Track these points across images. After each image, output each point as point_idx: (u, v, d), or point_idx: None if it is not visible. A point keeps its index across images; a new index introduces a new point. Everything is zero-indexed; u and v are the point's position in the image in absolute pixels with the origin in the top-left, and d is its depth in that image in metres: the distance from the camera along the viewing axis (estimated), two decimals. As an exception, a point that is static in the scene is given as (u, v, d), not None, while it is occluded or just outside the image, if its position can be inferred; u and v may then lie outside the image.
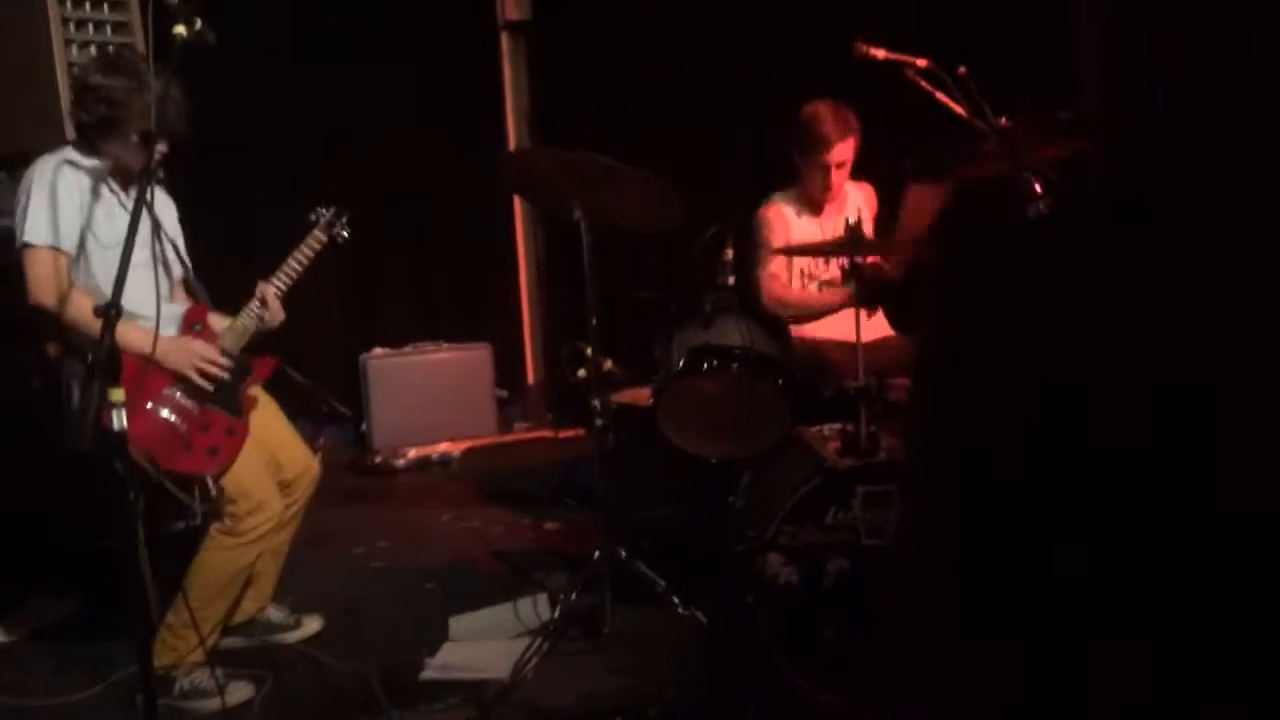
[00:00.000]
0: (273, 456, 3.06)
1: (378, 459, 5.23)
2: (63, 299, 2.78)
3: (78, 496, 2.77)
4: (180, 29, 2.52)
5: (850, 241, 2.91)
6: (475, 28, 5.81)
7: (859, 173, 3.77)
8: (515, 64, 5.94)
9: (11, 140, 3.86)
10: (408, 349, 5.53)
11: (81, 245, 2.84)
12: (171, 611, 2.86)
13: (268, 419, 3.11)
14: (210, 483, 2.84)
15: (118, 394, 1.95)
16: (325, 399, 5.36)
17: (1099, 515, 0.74)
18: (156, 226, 2.79)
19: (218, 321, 3.03)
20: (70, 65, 4.13)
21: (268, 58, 5.07)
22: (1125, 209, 0.80)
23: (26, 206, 2.80)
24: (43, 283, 2.78)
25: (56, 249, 2.80)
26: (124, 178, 2.93)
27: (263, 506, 2.91)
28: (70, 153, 2.89)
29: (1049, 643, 0.76)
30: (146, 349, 2.69)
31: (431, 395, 5.42)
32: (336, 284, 5.61)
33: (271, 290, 3.01)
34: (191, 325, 2.99)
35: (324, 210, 3.16)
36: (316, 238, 3.11)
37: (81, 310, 2.71)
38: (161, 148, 2.80)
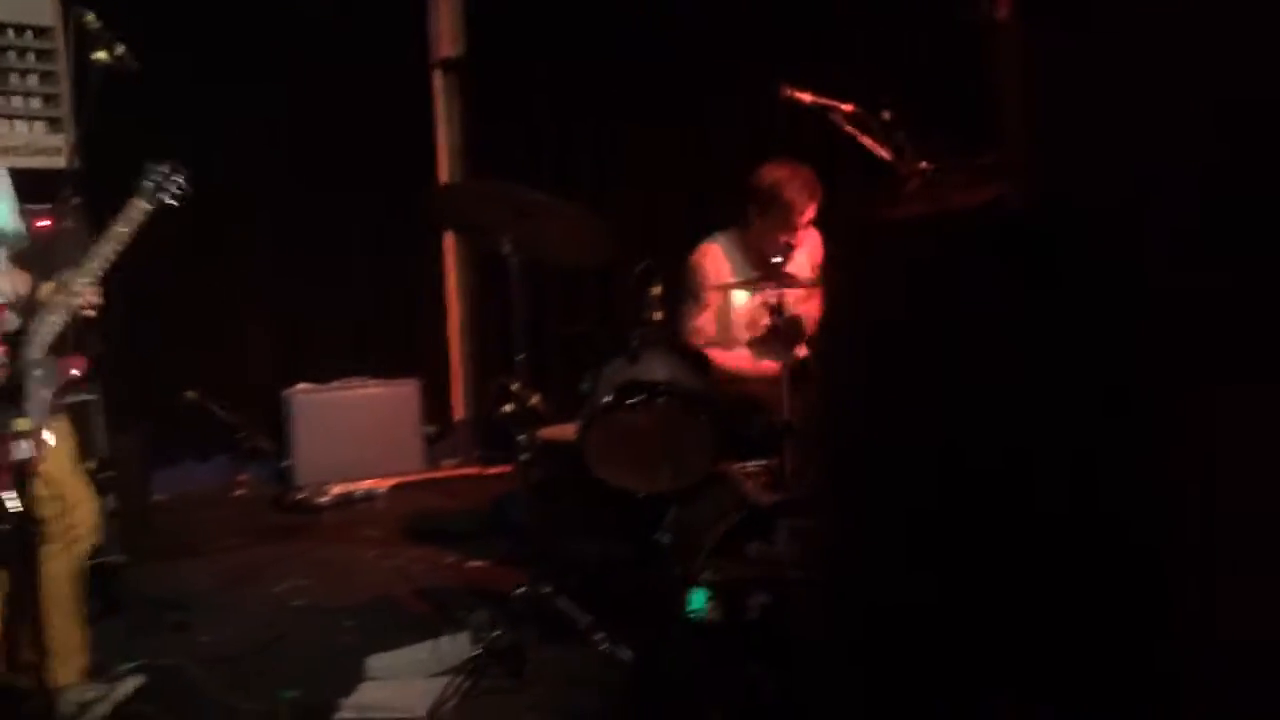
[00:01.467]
0: (48, 495, 2.72)
1: (301, 495, 5.13)
2: None
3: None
4: (101, 54, 2.50)
5: (773, 278, 2.95)
6: (408, 64, 5.81)
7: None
8: (448, 101, 5.95)
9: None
10: (335, 384, 5.46)
11: None
12: (48, 639, 2.70)
13: (58, 453, 2.75)
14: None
15: (24, 423, 1.87)
16: (248, 434, 5.26)
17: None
18: None
19: (47, 292, 2.72)
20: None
21: (196, 85, 5.02)
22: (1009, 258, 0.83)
23: None
24: None
25: None
26: None
27: (75, 507, 2.77)
28: None
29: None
30: None
31: (358, 431, 5.35)
32: (264, 317, 5.53)
33: (85, 275, 2.68)
34: None
35: (158, 169, 2.81)
36: (138, 208, 2.75)
37: None
38: None
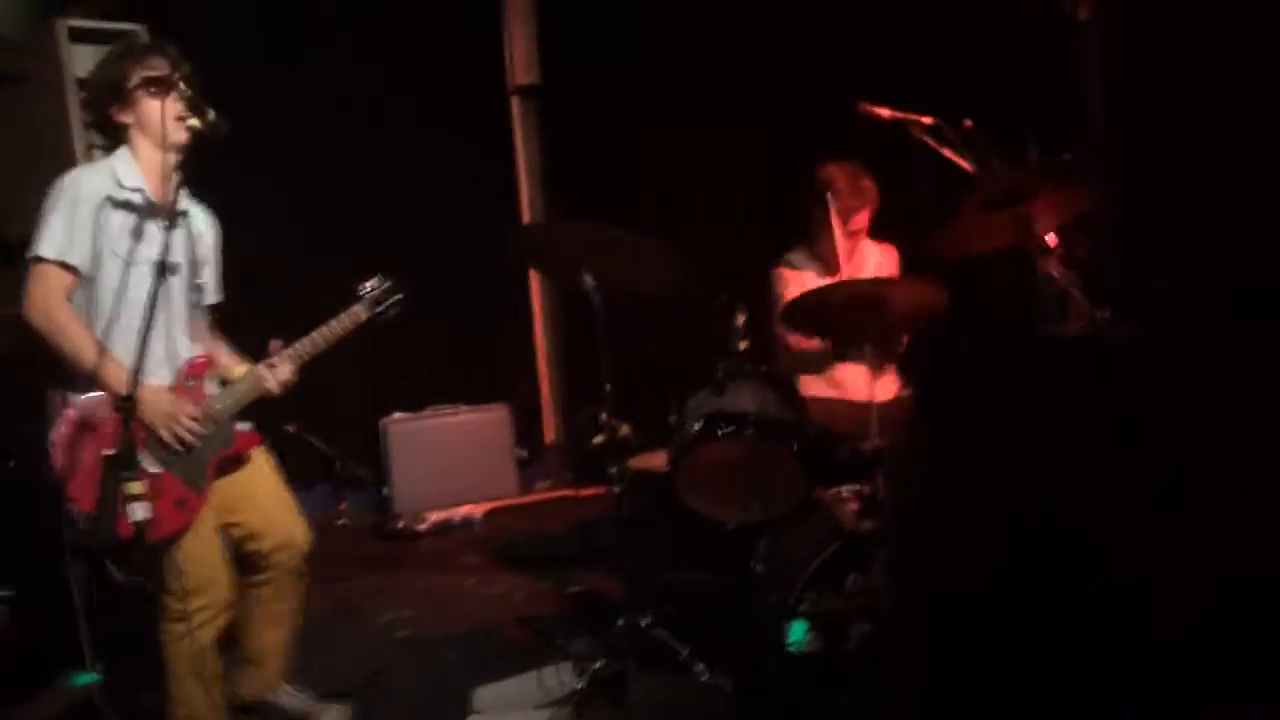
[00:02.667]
0: (253, 527, 2.91)
1: (400, 523, 5.24)
2: (54, 323, 2.61)
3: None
4: (194, 121, 2.58)
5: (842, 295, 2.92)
6: (486, 92, 5.89)
7: (880, 233, 3.78)
8: (526, 128, 6.01)
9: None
10: (427, 412, 5.56)
11: (99, 257, 2.66)
12: (169, 705, 2.76)
13: (258, 482, 2.94)
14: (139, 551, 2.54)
15: (136, 487, 1.95)
16: (346, 464, 5.39)
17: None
18: (161, 269, 2.48)
19: (228, 369, 2.92)
20: (90, 149, 4.24)
21: (280, 122, 5.15)
22: (1124, 370, 0.81)
23: (46, 217, 2.64)
24: (36, 301, 2.62)
25: (65, 265, 2.63)
26: (167, 186, 2.74)
27: (204, 590, 2.71)
28: (111, 163, 2.74)
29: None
30: (117, 391, 2.51)
31: (452, 457, 5.44)
32: (356, 348, 5.64)
33: (287, 359, 2.89)
34: (185, 380, 2.80)
35: (372, 285, 3.05)
36: (355, 314, 3.00)
37: (72, 341, 2.59)
38: (192, 120, 2.62)
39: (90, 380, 2.60)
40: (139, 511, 2.08)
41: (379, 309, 3.06)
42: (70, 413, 2.62)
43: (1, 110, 4.18)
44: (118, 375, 2.57)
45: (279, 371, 2.88)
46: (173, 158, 2.73)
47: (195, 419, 2.72)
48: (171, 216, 2.57)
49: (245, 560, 2.94)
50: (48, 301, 2.61)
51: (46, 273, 2.63)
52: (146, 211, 2.73)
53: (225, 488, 2.87)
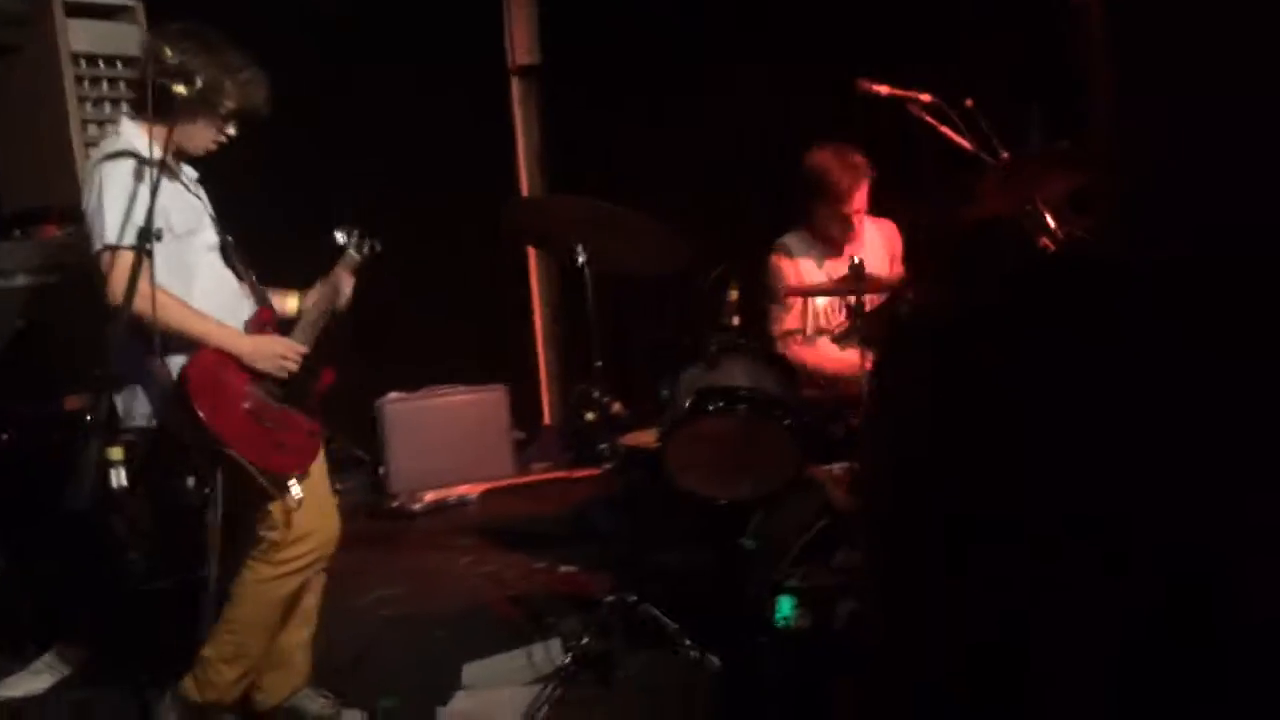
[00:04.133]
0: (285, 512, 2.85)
1: (395, 503, 5.23)
2: (150, 301, 2.55)
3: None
4: (181, 88, 2.56)
5: (854, 280, 2.90)
6: (486, 72, 5.86)
7: (879, 209, 3.75)
8: (526, 108, 5.99)
9: (33, 194, 3.93)
10: (423, 392, 5.54)
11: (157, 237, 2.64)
12: (209, 644, 2.76)
13: (322, 473, 2.97)
14: (294, 487, 2.72)
15: (115, 452, 1.95)
16: (342, 443, 5.38)
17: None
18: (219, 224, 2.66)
19: (281, 307, 3.00)
20: (85, 124, 4.22)
21: (277, 97, 5.12)
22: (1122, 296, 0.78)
23: (101, 207, 2.64)
24: (123, 287, 2.54)
25: (139, 249, 2.57)
26: (178, 158, 2.84)
27: (311, 536, 2.79)
28: (129, 141, 2.73)
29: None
30: (233, 347, 2.70)
31: (448, 438, 5.42)
32: (351, 329, 5.62)
33: (344, 273, 2.99)
34: (262, 326, 2.89)
35: (346, 232, 3.08)
36: (352, 258, 3.05)
37: (171, 311, 2.62)
38: (230, 130, 2.80)
39: (187, 344, 2.67)
40: (119, 478, 2.07)
41: (365, 252, 3.08)
42: (193, 370, 2.66)
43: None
44: (223, 332, 2.71)
45: (346, 283, 2.99)
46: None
47: (295, 353, 2.83)
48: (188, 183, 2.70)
49: (261, 553, 2.88)
50: (141, 285, 2.57)
51: (124, 258, 2.60)
52: (173, 180, 2.79)
53: None
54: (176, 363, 2.69)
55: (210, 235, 2.87)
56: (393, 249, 5.63)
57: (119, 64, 4.23)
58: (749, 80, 5.08)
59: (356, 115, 5.42)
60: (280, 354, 2.80)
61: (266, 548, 2.77)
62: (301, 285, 3.10)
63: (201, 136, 2.80)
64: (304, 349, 2.86)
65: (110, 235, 2.63)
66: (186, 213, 2.80)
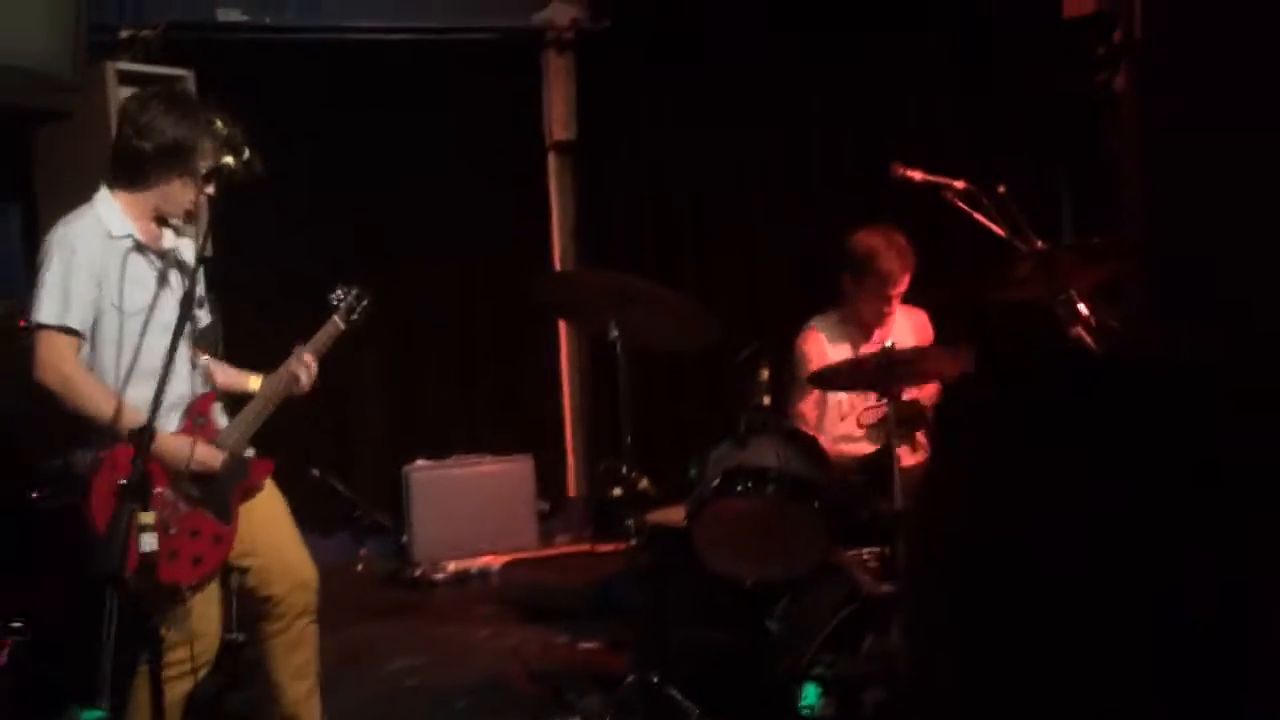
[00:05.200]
0: (265, 568, 2.87)
1: (418, 571, 5.20)
2: (70, 385, 2.59)
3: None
4: (228, 159, 2.61)
5: (882, 363, 2.89)
6: (524, 147, 5.96)
7: (910, 298, 3.73)
8: (561, 183, 6.07)
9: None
10: (451, 460, 5.55)
11: (98, 314, 2.66)
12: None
13: (270, 519, 2.92)
14: (186, 594, 2.64)
15: (147, 517, 1.95)
16: (366, 510, 5.38)
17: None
18: (188, 304, 2.50)
19: (234, 381, 2.94)
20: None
21: (320, 169, 5.24)
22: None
23: (41, 282, 2.63)
24: (49, 366, 2.60)
25: (68, 330, 2.61)
26: (156, 224, 2.78)
27: (200, 638, 2.71)
28: (96, 211, 2.71)
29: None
30: (164, 451, 2.60)
31: (473, 507, 5.41)
32: (383, 395, 5.67)
33: (307, 359, 2.90)
34: (195, 419, 2.80)
35: (342, 293, 3.04)
36: (335, 324, 3.00)
37: (89, 400, 2.57)
38: (209, 190, 2.72)
39: (112, 434, 2.59)
40: (148, 543, 2.07)
41: (353, 316, 3.03)
42: (107, 462, 2.60)
43: (51, 147, 4.27)
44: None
45: (308, 368, 2.90)
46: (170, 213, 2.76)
47: (215, 463, 2.73)
48: (163, 255, 2.64)
49: (259, 608, 2.91)
50: (61, 367, 2.60)
51: (52, 339, 2.61)
52: (138, 256, 2.73)
53: (241, 524, 2.83)
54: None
55: (167, 313, 2.68)
56: (429, 318, 5.74)
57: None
58: (781, 161, 5.15)
59: (395, 186, 5.52)
60: (199, 459, 2.68)
61: (161, 649, 2.63)
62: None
63: (180, 197, 2.72)
64: (221, 456, 2.74)
65: (43, 314, 2.61)
66: (141, 290, 2.70)
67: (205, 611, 2.75)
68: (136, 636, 2.51)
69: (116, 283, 2.66)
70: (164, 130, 2.66)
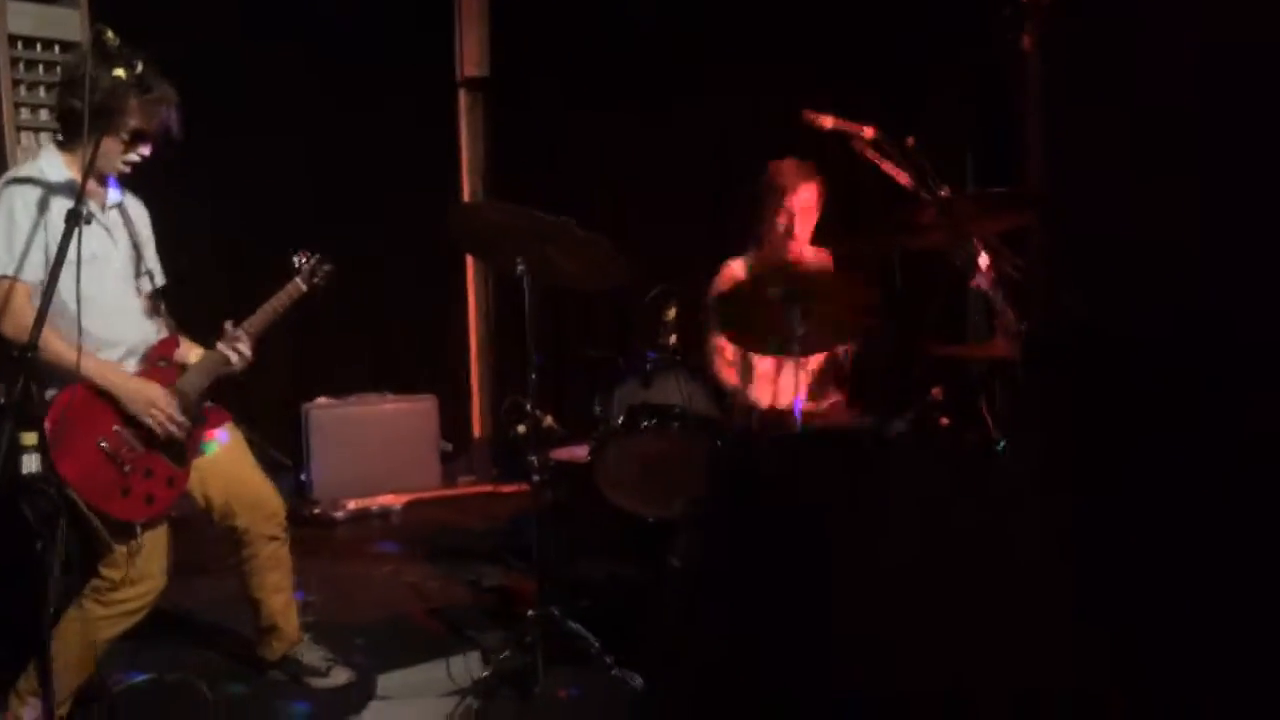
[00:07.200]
0: (228, 503, 3.04)
1: (316, 510, 5.14)
2: (26, 334, 2.51)
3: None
4: (120, 72, 2.51)
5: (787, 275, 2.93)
6: (433, 83, 5.85)
7: (819, 239, 3.79)
8: (472, 120, 5.98)
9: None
10: (352, 399, 5.47)
11: (46, 265, 2.64)
12: (23, 676, 2.72)
13: (229, 458, 3.06)
14: (137, 530, 2.71)
15: (29, 437, 1.89)
16: (263, 447, 5.27)
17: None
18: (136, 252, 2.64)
19: (185, 354, 2.94)
20: (17, 107, 4.13)
21: (222, 102, 5.07)
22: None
23: None
24: (4, 316, 2.64)
25: (16, 279, 2.65)
26: (96, 180, 2.79)
27: (146, 580, 2.79)
28: (40, 167, 2.74)
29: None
30: (109, 383, 2.67)
31: (375, 446, 5.35)
32: (284, 332, 5.52)
33: (244, 335, 2.94)
34: (156, 361, 2.88)
35: (304, 258, 3.09)
36: (296, 286, 3.04)
37: (48, 346, 2.54)
38: (145, 150, 2.75)
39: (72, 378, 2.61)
40: (28, 464, 2.01)
41: (315, 279, 3.09)
42: (59, 401, 2.63)
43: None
44: (101, 368, 2.69)
45: (242, 348, 2.94)
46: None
47: (174, 410, 2.78)
48: (108, 210, 2.70)
49: (230, 538, 3.10)
50: (15, 317, 2.64)
51: (14, 289, 2.65)
52: (81, 209, 2.62)
53: (200, 465, 2.94)
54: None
55: (118, 262, 2.85)
56: (333, 252, 5.61)
57: (57, 48, 4.15)
58: (696, 104, 5.14)
59: (302, 120, 5.37)
60: (152, 401, 2.74)
61: (103, 587, 2.75)
62: (240, 299, 3.07)
63: (112, 156, 2.74)
64: (177, 405, 2.79)
65: (3, 265, 2.64)
66: (91, 240, 2.69)
67: (152, 552, 2.79)
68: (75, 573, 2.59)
69: (56, 229, 2.60)
70: (95, 84, 2.59)
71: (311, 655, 3.23)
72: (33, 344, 2.19)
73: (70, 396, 2.62)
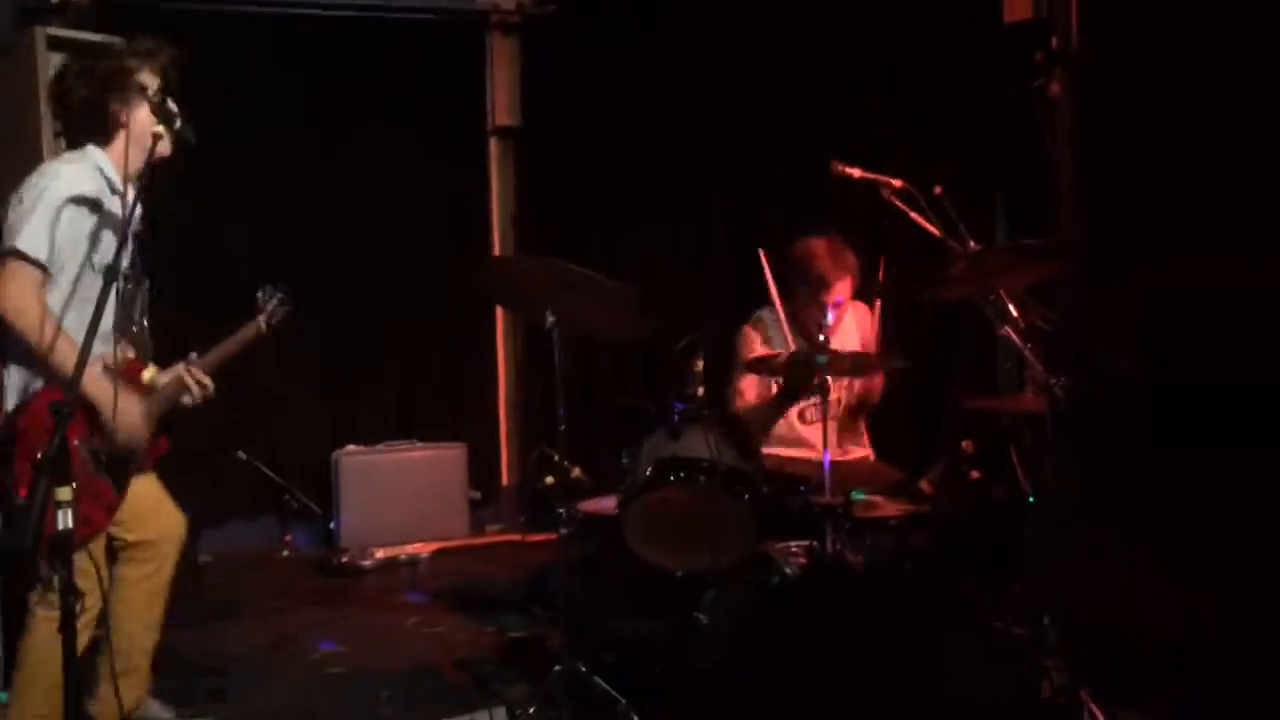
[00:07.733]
0: (132, 525, 2.88)
1: (344, 558, 5.13)
2: (31, 319, 2.55)
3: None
4: (159, 128, 2.56)
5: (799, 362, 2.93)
6: (466, 132, 5.91)
7: (858, 294, 3.74)
8: (503, 169, 6.03)
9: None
10: (381, 447, 5.49)
11: (66, 262, 2.65)
12: (12, 711, 2.68)
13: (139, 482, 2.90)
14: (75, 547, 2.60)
15: (64, 492, 1.90)
16: (294, 495, 5.31)
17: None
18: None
19: (151, 376, 2.89)
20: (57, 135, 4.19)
21: (257, 147, 5.17)
22: None
23: (31, 213, 2.59)
24: (12, 294, 2.56)
25: (44, 268, 2.59)
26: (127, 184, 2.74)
27: (92, 593, 2.62)
28: (91, 163, 2.72)
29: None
30: (98, 400, 2.60)
31: (403, 494, 5.36)
32: (315, 379, 5.59)
33: (198, 373, 2.88)
34: (130, 378, 2.80)
35: (267, 293, 3.05)
36: (257, 326, 3.02)
37: (48, 338, 2.54)
38: (164, 148, 2.70)
39: (56, 376, 2.57)
40: (63, 520, 2.02)
41: (273, 320, 3.05)
42: (38, 403, 2.60)
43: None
44: (94, 379, 2.60)
45: (203, 383, 2.89)
46: (141, 164, 2.73)
47: (145, 432, 2.74)
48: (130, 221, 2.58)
49: (128, 555, 2.92)
50: (25, 298, 2.56)
51: (23, 269, 2.57)
52: (113, 216, 2.71)
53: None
54: (27, 382, 2.66)
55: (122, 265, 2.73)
56: (365, 301, 5.69)
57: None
58: (725, 153, 5.17)
59: (334, 168, 5.45)
60: (135, 425, 2.71)
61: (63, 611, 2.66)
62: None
63: (143, 123, 2.70)
64: (140, 407, 2.74)
65: (20, 241, 2.57)
66: (109, 246, 2.69)
67: (88, 569, 2.64)
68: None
69: (87, 233, 2.66)
70: (94, 59, 2.68)
71: (162, 714, 3.11)
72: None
73: (44, 402, 2.56)
